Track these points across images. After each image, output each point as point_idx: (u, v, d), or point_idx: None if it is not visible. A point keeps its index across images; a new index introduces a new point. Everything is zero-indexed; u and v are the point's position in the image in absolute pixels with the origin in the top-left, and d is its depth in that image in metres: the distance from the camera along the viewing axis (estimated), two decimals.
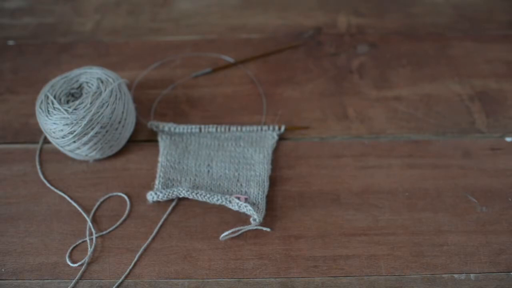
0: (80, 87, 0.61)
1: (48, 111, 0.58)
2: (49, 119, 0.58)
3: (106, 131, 0.59)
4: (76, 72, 0.62)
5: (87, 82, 0.61)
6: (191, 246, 0.56)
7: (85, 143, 0.58)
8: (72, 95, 0.61)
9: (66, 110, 0.58)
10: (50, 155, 0.64)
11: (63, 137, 0.58)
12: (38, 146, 0.64)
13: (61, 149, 0.60)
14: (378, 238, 0.56)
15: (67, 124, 0.57)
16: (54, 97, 0.59)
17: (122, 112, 0.60)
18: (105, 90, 0.59)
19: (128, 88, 0.65)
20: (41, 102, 0.59)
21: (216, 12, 0.83)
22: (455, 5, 0.82)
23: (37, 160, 0.63)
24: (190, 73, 0.73)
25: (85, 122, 0.57)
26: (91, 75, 0.61)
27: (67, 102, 0.60)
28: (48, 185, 0.61)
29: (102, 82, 0.60)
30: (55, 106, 0.58)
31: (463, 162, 0.63)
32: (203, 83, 0.72)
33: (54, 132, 0.58)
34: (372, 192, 0.60)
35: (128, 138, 0.64)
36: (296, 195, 0.60)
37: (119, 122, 0.60)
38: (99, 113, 0.57)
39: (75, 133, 0.57)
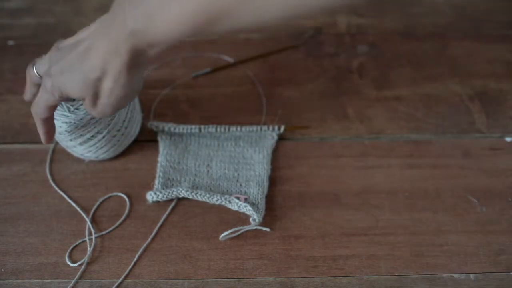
0: None
1: None
2: None
3: (103, 137, 0.59)
4: None
5: None
6: (191, 246, 0.56)
7: (80, 144, 0.58)
8: None
9: (68, 108, 0.58)
10: (49, 155, 0.64)
11: (60, 133, 0.58)
12: (51, 146, 0.64)
13: (61, 144, 0.61)
14: (378, 238, 0.56)
15: (65, 122, 0.57)
16: None
17: (123, 121, 0.60)
18: None
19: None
20: None
21: None
22: (455, 5, 0.82)
23: (48, 159, 0.63)
24: (190, 73, 0.73)
25: (81, 124, 0.57)
26: None
27: (73, 99, 0.60)
28: (51, 183, 0.61)
29: None
30: None
31: (463, 162, 0.63)
32: (203, 83, 0.72)
33: None
34: (372, 192, 0.60)
35: (127, 145, 0.63)
36: (296, 195, 0.60)
37: (118, 130, 0.60)
38: (97, 118, 0.57)
39: (71, 132, 0.57)
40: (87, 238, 0.57)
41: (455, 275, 0.54)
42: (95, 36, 0.45)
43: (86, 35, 0.47)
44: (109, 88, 0.46)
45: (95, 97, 0.47)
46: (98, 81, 0.45)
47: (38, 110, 0.50)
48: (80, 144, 0.59)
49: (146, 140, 0.65)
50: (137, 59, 0.45)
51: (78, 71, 0.45)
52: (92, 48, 0.45)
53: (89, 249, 0.56)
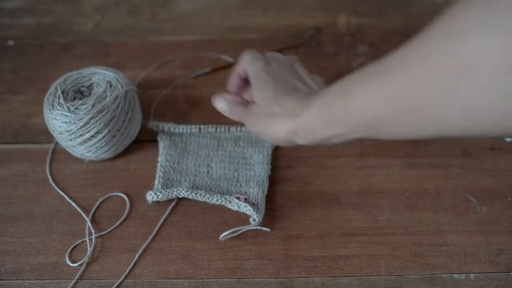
0: (91, 86, 0.61)
1: (53, 104, 0.58)
2: (51, 113, 0.58)
3: (103, 137, 0.59)
4: (91, 70, 0.62)
5: (98, 83, 0.61)
6: (191, 246, 0.56)
7: (80, 143, 0.58)
8: (81, 92, 0.61)
9: (68, 108, 0.58)
10: (49, 155, 0.64)
11: (60, 133, 0.58)
12: (51, 146, 0.64)
13: (61, 143, 0.61)
14: (378, 238, 0.56)
15: (65, 122, 0.57)
16: (63, 92, 0.59)
17: (123, 121, 0.60)
18: (110, 95, 0.59)
19: (138, 95, 0.65)
20: (50, 94, 0.59)
21: (216, 12, 0.83)
22: None
23: (48, 159, 0.63)
24: (190, 73, 0.73)
25: (81, 124, 0.57)
26: (103, 77, 0.61)
27: (74, 99, 0.60)
28: (51, 183, 0.61)
29: (110, 86, 0.60)
30: (59, 101, 0.58)
31: (463, 162, 0.63)
32: (203, 83, 0.72)
33: (54, 127, 0.58)
34: (372, 192, 0.60)
35: (127, 145, 0.63)
36: (295, 195, 0.60)
37: (118, 130, 0.60)
38: (97, 118, 0.57)
39: (71, 132, 0.57)
40: (87, 238, 0.57)
41: (455, 275, 0.54)
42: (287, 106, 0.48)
43: (280, 100, 0.49)
44: (270, 137, 0.51)
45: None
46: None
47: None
48: (80, 144, 0.59)
49: (146, 140, 0.65)
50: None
51: (263, 119, 0.51)
52: (278, 116, 0.48)
53: (89, 249, 0.56)
